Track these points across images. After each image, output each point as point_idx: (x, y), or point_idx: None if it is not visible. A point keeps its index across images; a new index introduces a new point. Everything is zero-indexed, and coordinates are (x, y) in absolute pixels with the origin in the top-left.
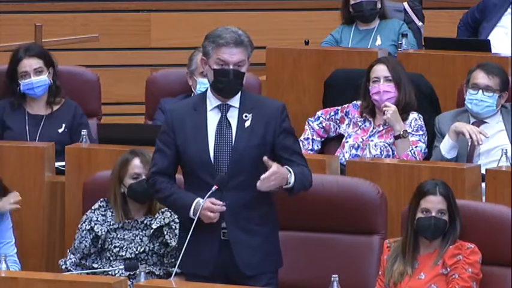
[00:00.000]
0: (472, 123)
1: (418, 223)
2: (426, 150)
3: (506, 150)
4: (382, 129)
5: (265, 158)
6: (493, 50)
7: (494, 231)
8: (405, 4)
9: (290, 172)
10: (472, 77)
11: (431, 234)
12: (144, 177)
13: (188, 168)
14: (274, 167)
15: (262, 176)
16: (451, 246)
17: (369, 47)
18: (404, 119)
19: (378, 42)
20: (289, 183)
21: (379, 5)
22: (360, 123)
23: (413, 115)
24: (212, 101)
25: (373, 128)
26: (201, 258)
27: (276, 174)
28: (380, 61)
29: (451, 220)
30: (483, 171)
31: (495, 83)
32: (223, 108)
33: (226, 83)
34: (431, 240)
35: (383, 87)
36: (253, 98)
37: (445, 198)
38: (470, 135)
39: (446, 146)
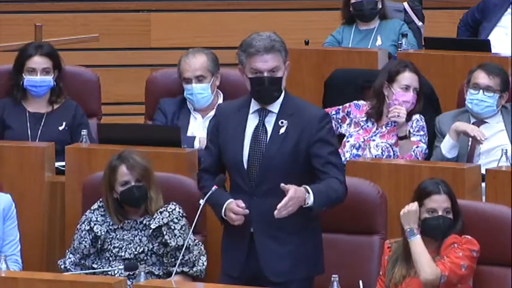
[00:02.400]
0: (473, 124)
1: (425, 223)
2: (426, 150)
3: (506, 150)
4: (385, 130)
5: (282, 185)
6: (493, 50)
7: (494, 231)
8: (405, 4)
9: (308, 192)
10: (473, 77)
11: (440, 233)
12: (133, 183)
13: (227, 169)
14: (291, 192)
15: (279, 205)
16: (445, 239)
17: (369, 47)
18: (407, 120)
19: (378, 42)
20: (308, 203)
21: (379, 5)
22: (362, 123)
23: (415, 116)
24: (254, 105)
25: (376, 129)
26: (234, 259)
27: (292, 200)
28: (412, 69)
29: (455, 218)
30: (483, 171)
31: (496, 83)
32: (262, 114)
33: (262, 91)
34: (437, 240)
35: (412, 99)
36: (295, 103)
37: (449, 196)
38: (473, 133)
39: (447, 146)
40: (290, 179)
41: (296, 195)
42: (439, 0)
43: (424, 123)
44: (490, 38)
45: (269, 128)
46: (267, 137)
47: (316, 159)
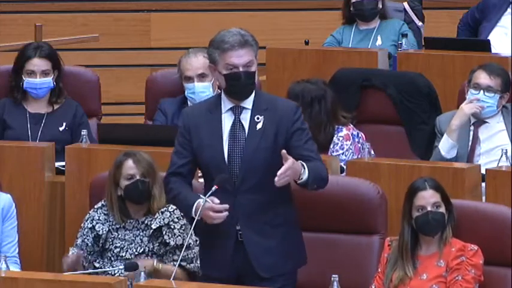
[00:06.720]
0: (473, 124)
1: (416, 222)
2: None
3: (506, 150)
4: None
5: (283, 151)
6: (493, 50)
7: (494, 231)
8: (405, 4)
9: (304, 167)
10: (474, 77)
11: (431, 229)
12: (138, 177)
13: (204, 170)
14: (290, 161)
15: (279, 172)
16: (453, 249)
17: (369, 47)
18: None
19: (379, 42)
20: (302, 178)
21: (380, 5)
22: None
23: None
24: (226, 104)
25: None
26: (217, 260)
27: (291, 169)
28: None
29: (448, 211)
30: (483, 171)
31: (497, 84)
32: (237, 111)
33: (239, 86)
34: (434, 236)
35: None
36: (267, 98)
37: (436, 190)
38: (476, 110)
39: (445, 146)
40: (271, 172)
41: (294, 166)
42: (439, 0)
43: (342, 140)
44: (490, 38)
45: (246, 125)
46: (244, 133)
47: (295, 148)
